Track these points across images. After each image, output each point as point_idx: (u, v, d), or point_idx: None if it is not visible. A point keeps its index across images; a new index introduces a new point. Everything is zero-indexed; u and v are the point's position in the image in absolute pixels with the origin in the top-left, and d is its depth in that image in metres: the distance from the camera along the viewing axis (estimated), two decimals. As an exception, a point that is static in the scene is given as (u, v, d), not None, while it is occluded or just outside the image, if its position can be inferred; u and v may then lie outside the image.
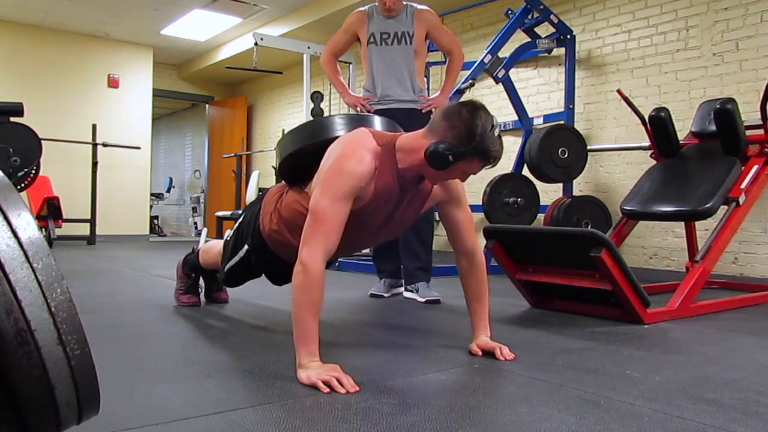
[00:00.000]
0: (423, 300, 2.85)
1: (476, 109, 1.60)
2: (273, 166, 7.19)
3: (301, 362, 1.52)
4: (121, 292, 3.18)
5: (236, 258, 2.14)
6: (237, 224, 2.19)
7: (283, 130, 7.93)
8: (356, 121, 1.95)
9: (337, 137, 1.77)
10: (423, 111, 3.02)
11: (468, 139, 1.57)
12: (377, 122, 2.01)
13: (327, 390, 1.42)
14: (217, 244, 2.45)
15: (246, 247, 2.09)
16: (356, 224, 1.72)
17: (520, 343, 2.01)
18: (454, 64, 3.16)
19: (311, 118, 2.11)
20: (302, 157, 1.91)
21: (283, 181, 2.06)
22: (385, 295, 3.04)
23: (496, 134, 1.59)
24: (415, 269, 3.00)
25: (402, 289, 3.11)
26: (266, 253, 2.04)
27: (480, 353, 1.80)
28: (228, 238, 2.24)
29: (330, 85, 6.59)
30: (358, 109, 3.09)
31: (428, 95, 3.21)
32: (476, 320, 1.88)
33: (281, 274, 2.14)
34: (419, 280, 2.97)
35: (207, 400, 1.38)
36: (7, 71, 7.07)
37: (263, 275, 2.23)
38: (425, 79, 3.16)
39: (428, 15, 3.08)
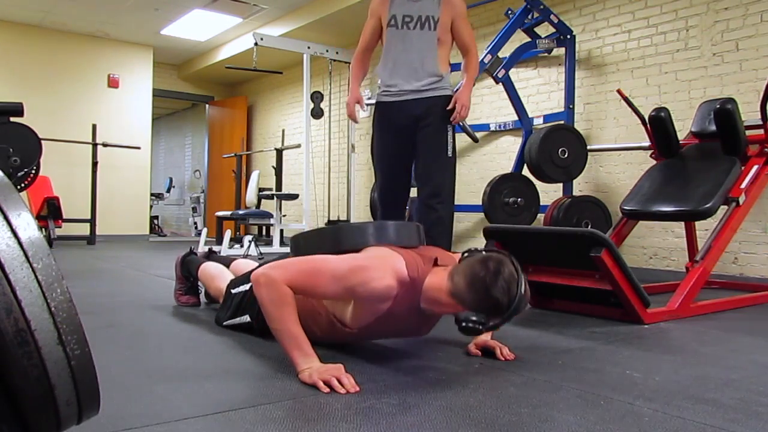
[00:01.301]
0: None
1: (498, 274, 1.48)
2: (273, 166, 7.20)
3: (300, 367, 1.52)
4: (121, 292, 3.18)
5: (236, 321, 2.11)
6: (244, 290, 2.09)
7: (283, 131, 7.93)
8: (380, 230, 1.80)
9: (355, 250, 1.70)
10: (447, 109, 2.86)
11: (498, 312, 1.48)
12: (396, 233, 1.83)
13: (327, 390, 1.42)
14: (219, 277, 2.39)
15: (247, 318, 2.05)
16: (360, 337, 1.77)
17: (520, 343, 2.01)
18: (472, 61, 2.98)
19: (326, 227, 1.92)
20: None
21: None
22: None
23: (523, 290, 1.49)
24: None
25: None
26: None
27: (479, 353, 1.80)
28: (233, 292, 2.16)
29: (330, 85, 6.61)
30: (349, 112, 2.98)
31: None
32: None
33: None
34: None
35: (207, 400, 1.38)
36: (7, 71, 7.07)
37: None
38: (449, 69, 2.98)
39: (457, 1, 2.88)
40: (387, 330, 1.76)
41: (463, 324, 1.49)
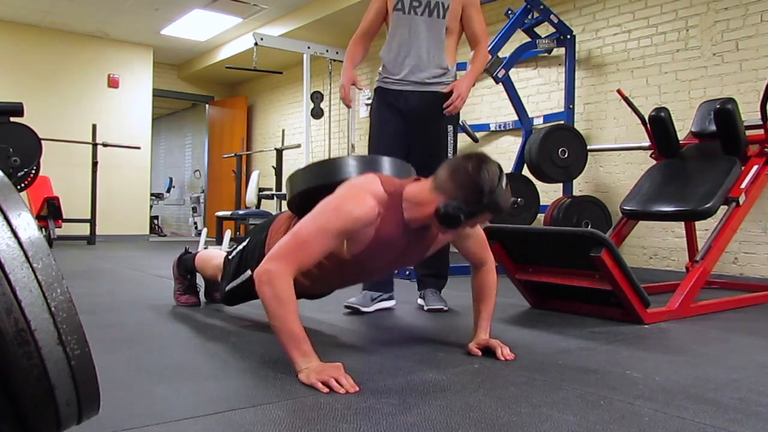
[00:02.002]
0: (426, 308, 2.67)
1: (481, 163, 1.57)
2: (273, 166, 7.20)
3: (299, 367, 1.52)
4: (121, 292, 3.18)
5: (238, 281, 2.12)
6: (241, 247, 2.15)
7: (283, 130, 7.93)
8: (368, 163, 1.93)
9: (347, 179, 1.76)
10: (444, 92, 2.70)
11: (478, 197, 1.54)
12: (388, 165, 1.95)
13: (326, 390, 1.42)
14: (216, 257, 2.42)
15: (249, 272, 2.05)
16: (356, 265, 1.77)
17: (520, 343, 2.01)
18: (481, 54, 2.78)
19: (324, 159, 2.02)
20: (312, 195, 1.87)
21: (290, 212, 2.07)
22: (364, 309, 2.55)
23: (504, 185, 1.57)
24: (423, 276, 2.80)
25: (392, 302, 2.72)
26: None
27: (479, 353, 1.80)
28: (230, 257, 2.20)
29: (330, 85, 6.61)
30: (343, 95, 2.80)
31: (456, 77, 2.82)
32: (479, 320, 1.91)
33: None
34: (427, 287, 2.76)
35: (207, 400, 1.38)
36: (7, 71, 7.07)
37: None
38: (455, 62, 2.81)
39: None
40: (381, 256, 1.76)
41: (443, 211, 1.56)
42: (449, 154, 2.78)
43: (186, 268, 2.64)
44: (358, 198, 1.60)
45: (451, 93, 2.66)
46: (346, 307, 2.56)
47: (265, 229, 2.08)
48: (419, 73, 2.67)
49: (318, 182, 1.88)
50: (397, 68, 2.71)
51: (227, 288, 2.18)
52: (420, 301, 2.78)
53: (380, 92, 2.77)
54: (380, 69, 2.79)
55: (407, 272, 3.73)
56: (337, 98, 6.93)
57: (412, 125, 2.73)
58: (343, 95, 2.79)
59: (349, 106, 2.83)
